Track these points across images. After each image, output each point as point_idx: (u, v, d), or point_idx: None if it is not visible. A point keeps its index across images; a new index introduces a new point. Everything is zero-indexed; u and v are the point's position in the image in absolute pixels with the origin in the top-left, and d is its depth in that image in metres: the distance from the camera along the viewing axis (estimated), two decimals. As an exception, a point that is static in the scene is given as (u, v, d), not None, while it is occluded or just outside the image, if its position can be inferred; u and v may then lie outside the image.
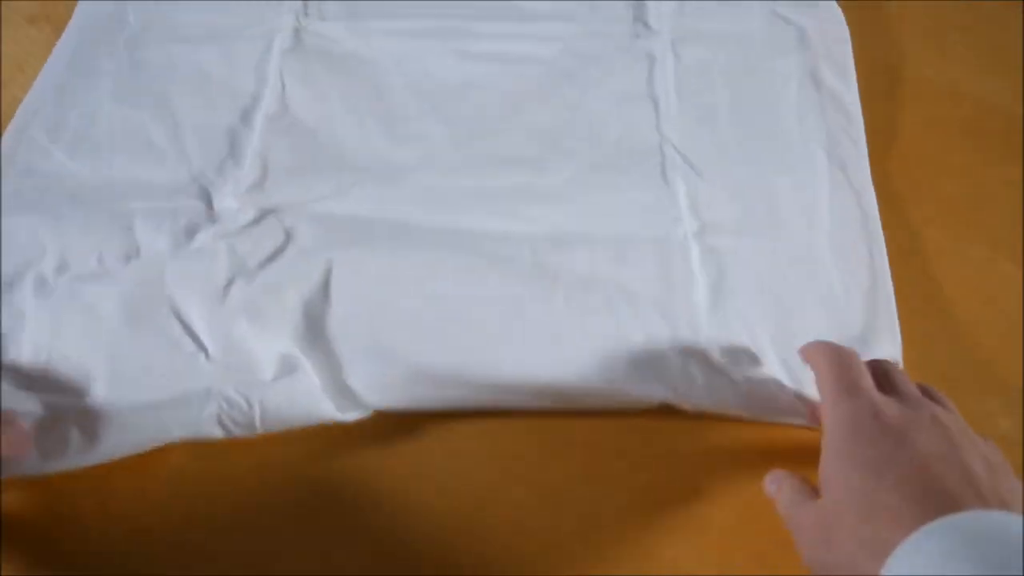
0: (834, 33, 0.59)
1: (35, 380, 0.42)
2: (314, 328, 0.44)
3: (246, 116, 0.54)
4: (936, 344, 0.47)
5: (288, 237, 0.48)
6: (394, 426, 0.43)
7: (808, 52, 0.57)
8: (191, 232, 0.48)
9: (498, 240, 0.48)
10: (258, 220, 0.49)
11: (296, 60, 0.58)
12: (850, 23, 0.60)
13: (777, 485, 0.38)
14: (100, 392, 0.42)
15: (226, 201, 0.50)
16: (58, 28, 0.61)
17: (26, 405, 0.40)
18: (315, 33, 0.59)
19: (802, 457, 0.38)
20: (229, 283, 0.45)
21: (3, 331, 0.44)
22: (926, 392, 0.38)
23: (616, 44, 0.59)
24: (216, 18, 0.60)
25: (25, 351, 0.43)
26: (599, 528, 0.40)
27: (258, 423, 0.41)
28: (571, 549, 0.40)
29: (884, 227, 0.49)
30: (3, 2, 0.64)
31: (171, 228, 0.48)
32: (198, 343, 0.43)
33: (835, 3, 0.61)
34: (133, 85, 0.56)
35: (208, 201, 0.50)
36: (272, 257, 0.47)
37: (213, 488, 0.42)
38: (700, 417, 0.43)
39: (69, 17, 0.61)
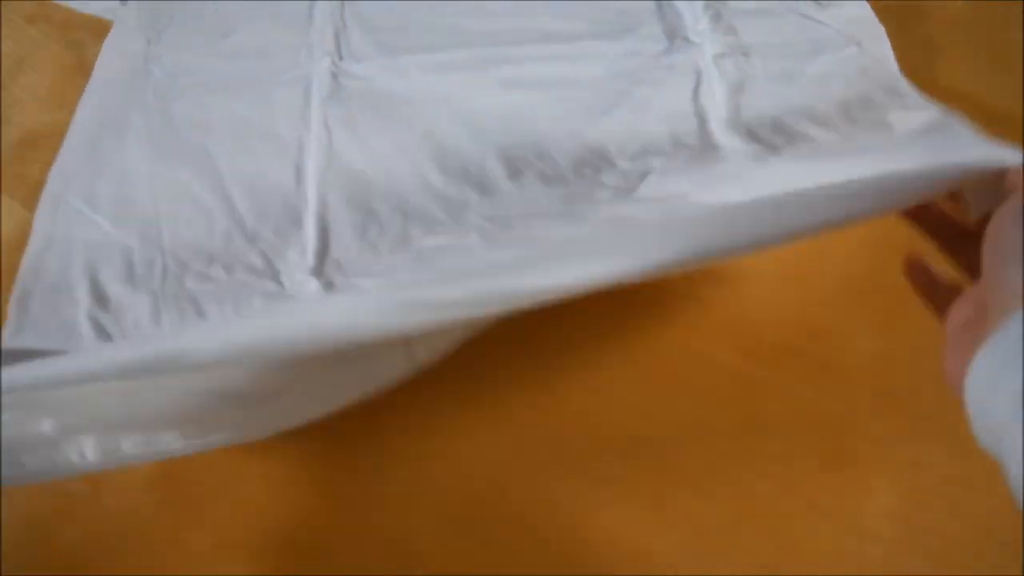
0: (869, 31, 0.57)
1: None
2: None
3: (296, 169, 0.52)
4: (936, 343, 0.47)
5: None
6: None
7: (846, 51, 0.56)
8: None
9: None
10: (329, 291, 0.46)
11: (338, 105, 0.55)
12: None
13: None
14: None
15: (296, 277, 0.47)
16: (58, 28, 0.62)
17: None
18: (352, 75, 0.57)
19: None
20: None
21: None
22: None
23: (658, 61, 0.57)
24: (248, 65, 0.58)
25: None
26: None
27: None
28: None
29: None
30: (3, 2, 0.65)
31: (247, 312, 0.45)
32: None
33: (865, 1, 0.59)
34: (169, 141, 0.54)
35: (275, 276, 0.47)
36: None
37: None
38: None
39: (69, 17, 0.62)
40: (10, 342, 0.44)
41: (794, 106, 0.53)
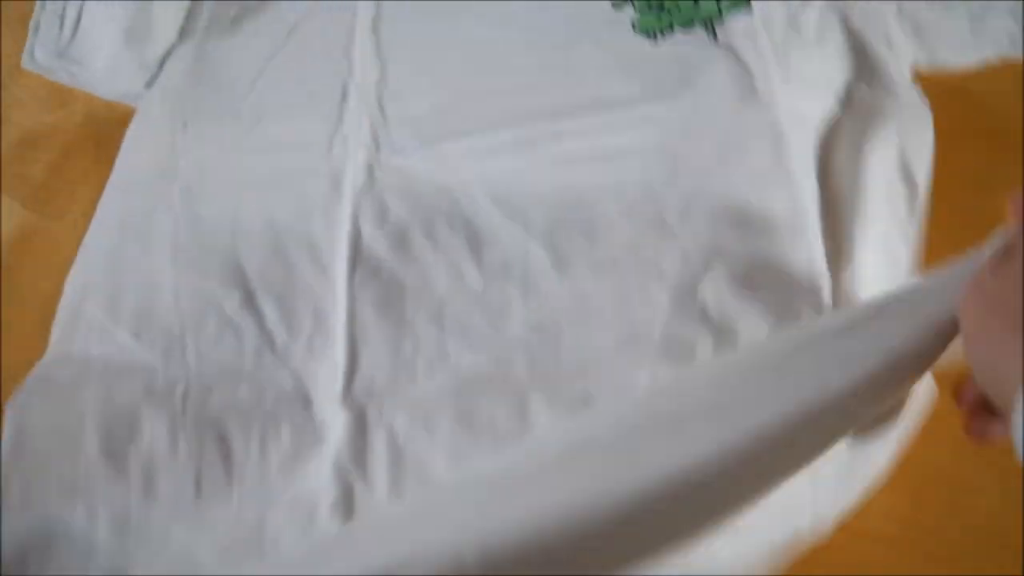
0: (916, 122, 0.51)
1: None
2: None
3: (325, 271, 0.49)
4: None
5: (394, 452, 0.42)
6: None
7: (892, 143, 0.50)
8: (295, 457, 0.42)
9: None
10: (361, 429, 0.43)
11: (371, 201, 0.51)
12: None
13: None
14: None
15: (326, 407, 0.44)
16: None
17: None
18: (389, 168, 0.53)
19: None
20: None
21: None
22: None
23: (731, 120, 0.51)
24: (280, 159, 0.54)
25: None
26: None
27: None
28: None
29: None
30: (3, 2, 0.64)
31: (274, 449, 0.42)
32: None
33: (917, 90, 0.53)
34: (195, 246, 0.50)
35: (305, 401, 0.45)
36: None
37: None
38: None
39: None
40: (8, 457, 0.42)
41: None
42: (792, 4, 0.55)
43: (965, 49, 0.53)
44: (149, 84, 0.58)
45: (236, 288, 0.48)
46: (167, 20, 0.60)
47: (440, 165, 0.52)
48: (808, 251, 0.46)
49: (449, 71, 0.57)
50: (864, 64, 0.51)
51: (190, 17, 0.60)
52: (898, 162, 0.47)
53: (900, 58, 0.53)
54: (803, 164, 0.48)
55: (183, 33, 0.60)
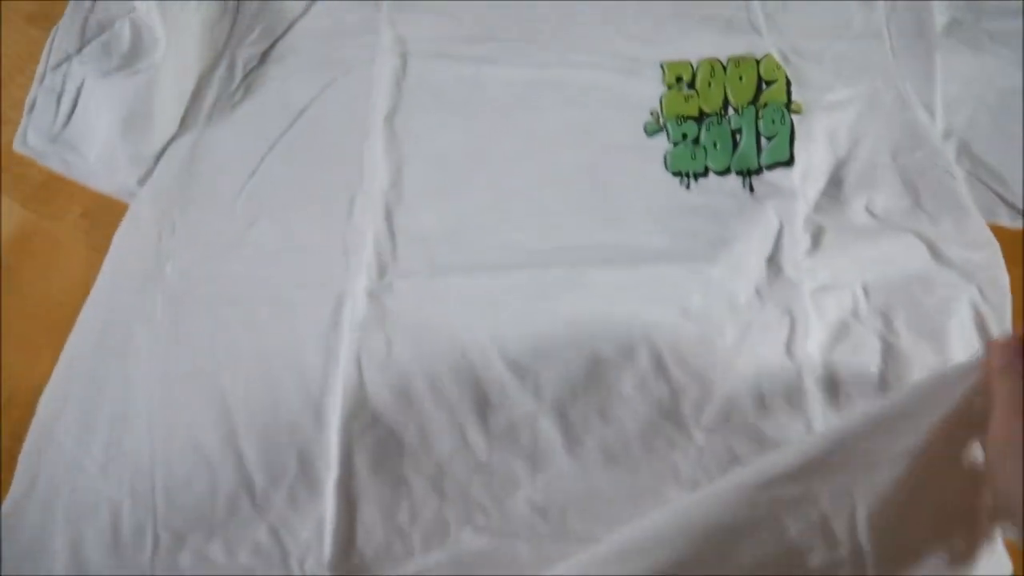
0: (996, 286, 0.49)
1: None
2: None
3: (316, 412, 0.45)
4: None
5: None
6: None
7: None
8: None
9: None
10: None
11: (372, 336, 0.47)
12: None
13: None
14: None
15: (307, 569, 0.41)
16: None
17: None
18: (392, 297, 0.48)
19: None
20: None
21: None
22: None
23: (753, 300, 0.48)
24: (272, 270, 0.49)
25: None
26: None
27: None
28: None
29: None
30: (3, 2, 0.63)
31: None
32: None
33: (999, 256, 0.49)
34: (176, 364, 0.46)
35: (284, 561, 0.41)
36: None
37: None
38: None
39: None
40: None
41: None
42: (833, 156, 0.52)
43: None
44: (142, 181, 0.53)
45: (214, 419, 0.45)
46: (169, 108, 0.54)
47: (448, 302, 0.48)
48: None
49: (467, 186, 0.52)
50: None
51: (193, 103, 0.55)
52: None
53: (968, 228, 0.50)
54: (811, 370, 0.46)
55: (184, 122, 0.55)
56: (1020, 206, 0.51)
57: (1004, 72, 0.54)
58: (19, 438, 0.46)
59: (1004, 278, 0.48)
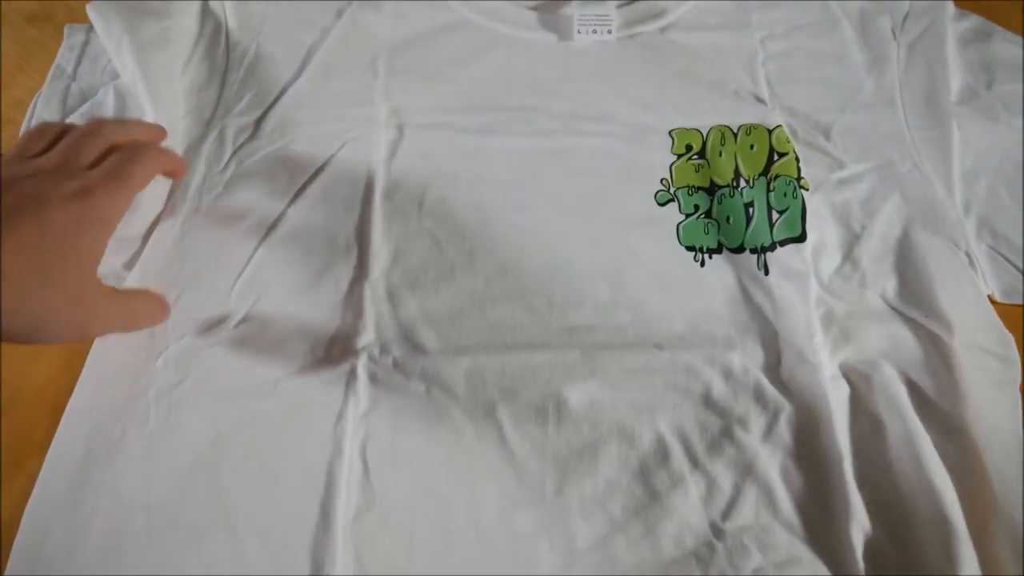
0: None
1: None
2: None
3: (323, 512, 0.42)
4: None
5: None
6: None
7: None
8: None
9: None
10: None
11: (376, 423, 0.45)
12: None
13: None
14: None
15: None
16: (58, 28, 0.59)
17: None
18: (398, 378, 0.46)
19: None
20: None
21: None
22: None
23: (772, 384, 0.46)
24: (270, 358, 0.47)
25: None
26: None
27: None
28: None
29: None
30: (3, 2, 0.63)
31: None
32: None
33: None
34: (172, 463, 0.43)
35: None
36: None
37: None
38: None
39: (69, 17, 0.59)
40: None
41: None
42: (845, 235, 0.51)
43: None
44: (129, 265, 0.50)
45: (217, 518, 0.42)
46: (155, 185, 0.50)
47: (457, 387, 0.46)
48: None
49: (472, 263, 0.50)
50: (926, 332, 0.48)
51: (181, 180, 0.52)
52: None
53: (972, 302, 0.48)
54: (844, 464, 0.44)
55: (172, 200, 0.51)
56: None
57: (1018, 143, 0.53)
58: (19, 438, 0.46)
59: (1017, 374, 0.46)
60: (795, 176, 0.52)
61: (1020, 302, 0.49)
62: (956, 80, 0.55)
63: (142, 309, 0.46)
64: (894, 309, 0.48)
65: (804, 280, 0.49)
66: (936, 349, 0.47)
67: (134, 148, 0.45)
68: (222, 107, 0.54)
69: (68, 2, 0.62)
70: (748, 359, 0.47)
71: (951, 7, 0.57)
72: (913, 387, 0.46)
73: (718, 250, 0.50)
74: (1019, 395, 0.45)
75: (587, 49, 0.57)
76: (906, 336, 0.47)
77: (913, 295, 0.48)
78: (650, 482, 0.44)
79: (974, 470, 0.43)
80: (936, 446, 0.43)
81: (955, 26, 0.57)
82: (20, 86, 0.57)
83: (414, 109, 0.55)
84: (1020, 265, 0.50)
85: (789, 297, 0.48)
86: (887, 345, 0.47)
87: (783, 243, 0.50)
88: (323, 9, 0.58)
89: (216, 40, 0.57)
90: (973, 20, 0.57)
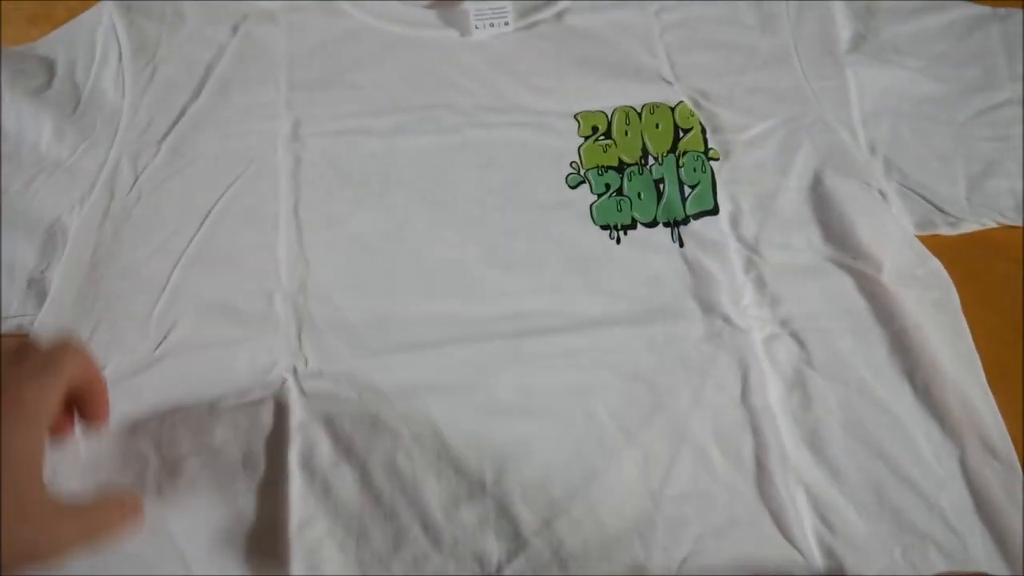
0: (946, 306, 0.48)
1: None
2: None
3: (274, 531, 0.42)
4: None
5: None
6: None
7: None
8: None
9: None
10: None
11: (314, 434, 0.45)
12: None
13: None
14: None
15: None
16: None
17: None
18: (327, 387, 0.46)
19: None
20: None
21: None
22: None
23: (698, 353, 0.47)
24: (192, 392, 0.46)
25: None
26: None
27: None
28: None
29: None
30: (3, 2, 0.62)
31: None
32: None
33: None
34: None
35: None
36: None
37: None
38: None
39: (69, 17, 0.58)
40: None
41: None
42: (761, 194, 0.52)
43: (960, 215, 0.51)
44: (38, 305, 0.48)
45: (164, 561, 0.42)
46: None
47: (385, 387, 0.46)
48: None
49: (390, 265, 0.50)
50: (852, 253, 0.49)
51: (85, 209, 0.51)
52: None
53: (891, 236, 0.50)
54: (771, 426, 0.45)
55: (78, 233, 0.50)
56: (954, 213, 0.51)
57: (914, 81, 0.55)
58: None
59: (953, 297, 0.48)
60: (702, 150, 0.53)
61: (933, 232, 0.51)
62: (846, 30, 0.56)
63: (108, 520, 0.38)
64: (821, 256, 0.49)
65: (722, 249, 0.50)
66: (869, 287, 0.48)
67: (57, 343, 0.39)
68: (124, 133, 0.53)
69: (68, 2, 0.61)
70: (671, 330, 0.47)
71: None
72: (855, 336, 0.47)
73: (632, 226, 0.51)
74: (963, 318, 0.47)
75: (486, 43, 0.57)
76: (838, 283, 0.49)
77: (837, 239, 0.50)
78: (587, 461, 0.44)
79: (936, 400, 0.45)
80: (888, 390, 0.45)
81: None
82: (20, 86, 0.57)
83: (318, 118, 0.54)
84: (929, 197, 0.51)
85: (707, 266, 0.49)
86: (821, 298, 0.48)
87: (697, 216, 0.51)
88: (218, 26, 0.57)
89: (112, 66, 0.56)
90: None
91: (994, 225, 0.51)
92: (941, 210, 0.51)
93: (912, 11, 0.57)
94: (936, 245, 0.50)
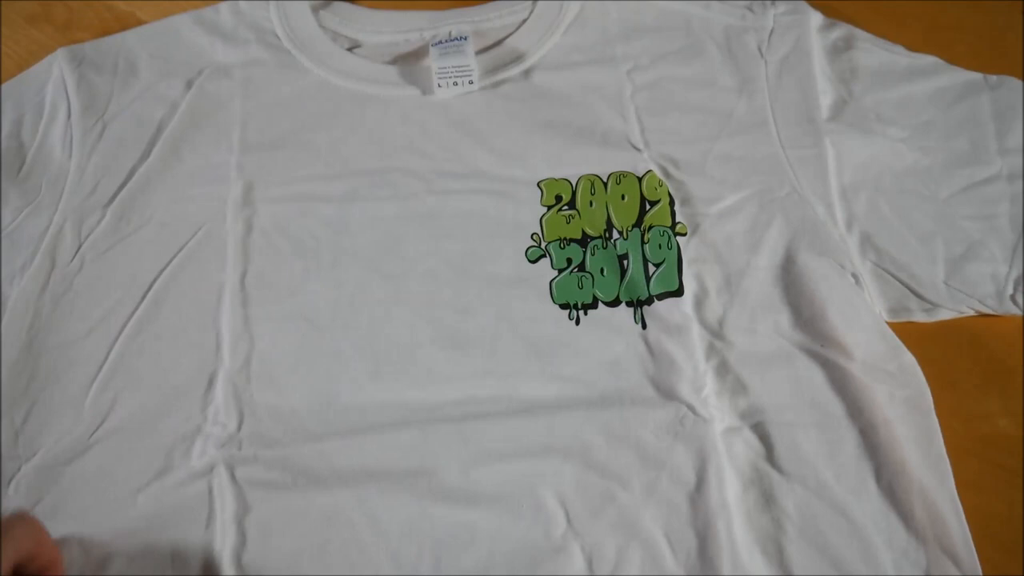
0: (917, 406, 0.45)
1: None
2: None
3: None
4: (936, 343, 0.48)
5: None
6: None
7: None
8: None
9: None
10: None
11: (249, 524, 0.43)
12: (851, 22, 0.56)
13: None
14: None
15: None
16: (59, 29, 0.62)
17: None
18: (262, 474, 0.44)
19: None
20: None
21: None
22: None
23: (655, 448, 0.44)
24: (128, 476, 0.44)
25: None
26: None
27: None
28: None
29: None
30: (3, 2, 0.63)
31: None
32: None
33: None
34: None
35: None
36: None
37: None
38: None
39: (69, 17, 0.62)
40: None
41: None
42: (729, 273, 0.49)
43: (937, 300, 0.48)
44: None
45: None
46: None
47: (324, 475, 0.44)
48: None
49: (336, 342, 0.48)
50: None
51: (24, 277, 0.49)
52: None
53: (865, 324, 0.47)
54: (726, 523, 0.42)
55: (16, 302, 0.48)
56: (931, 298, 0.48)
57: (897, 153, 0.52)
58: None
59: (926, 396, 0.45)
60: (669, 225, 0.50)
61: (908, 319, 0.48)
62: (826, 95, 0.53)
63: None
64: (789, 342, 0.47)
65: (685, 333, 0.47)
66: (838, 378, 0.46)
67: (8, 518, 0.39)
68: (69, 197, 0.51)
69: (68, 2, 0.63)
70: (628, 417, 0.45)
71: (817, 18, 0.55)
72: (820, 431, 0.45)
73: (593, 305, 0.48)
74: (935, 419, 0.44)
75: (449, 102, 0.54)
76: (805, 373, 0.46)
77: (806, 324, 0.47)
78: (531, 552, 0.42)
79: (902, 503, 0.43)
80: (850, 492, 0.43)
81: (822, 37, 0.55)
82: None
83: (271, 182, 0.52)
84: (905, 280, 0.48)
85: (669, 351, 0.47)
86: (786, 388, 0.46)
87: (661, 297, 0.48)
88: (171, 81, 0.55)
89: (60, 123, 0.54)
90: (840, 29, 0.55)
91: (972, 313, 0.48)
92: (917, 294, 0.48)
93: (899, 76, 0.54)
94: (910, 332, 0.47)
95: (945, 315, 0.48)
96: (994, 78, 0.53)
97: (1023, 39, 0.58)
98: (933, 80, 0.53)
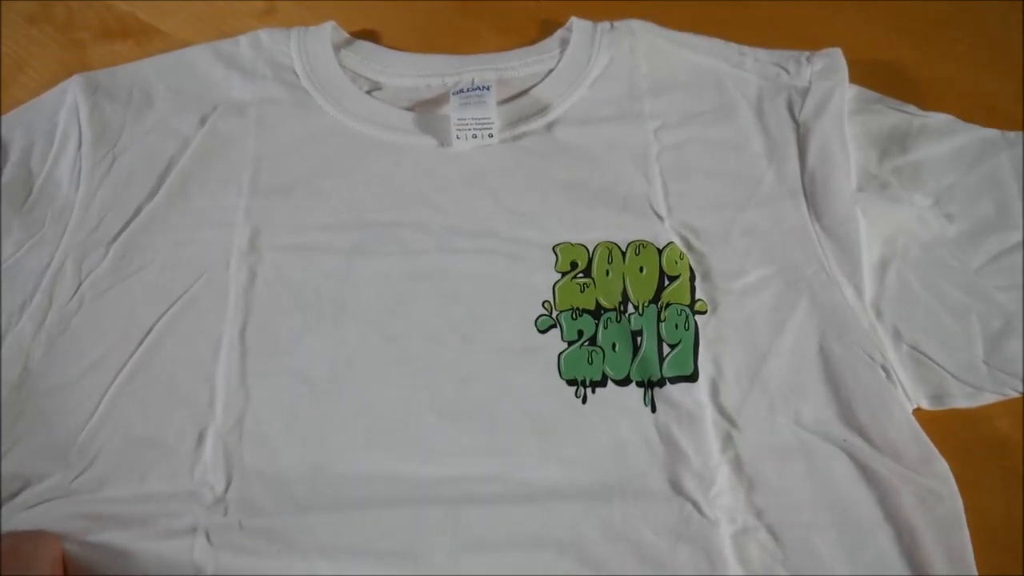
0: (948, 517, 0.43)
1: None
2: None
3: None
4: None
5: None
6: None
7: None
8: None
9: None
10: None
11: None
12: (849, 22, 0.56)
13: None
14: None
15: None
16: (59, 29, 0.62)
17: None
18: (246, 544, 0.43)
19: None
20: None
21: None
22: None
23: (657, 539, 0.43)
24: (115, 536, 0.43)
25: None
26: None
27: None
28: None
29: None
30: (3, 2, 0.63)
31: None
32: None
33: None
34: None
35: None
36: None
37: None
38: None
39: (69, 17, 0.62)
40: None
41: None
42: (750, 357, 0.46)
43: (979, 383, 0.46)
44: None
45: None
46: None
47: (308, 550, 0.43)
48: None
49: (332, 406, 0.46)
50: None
51: (23, 317, 0.48)
52: None
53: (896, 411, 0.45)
54: None
55: (10, 342, 0.47)
56: (970, 380, 0.45)
57: (923, 221, 0.49)
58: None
59: (958, 508, 0.42)
60: (687, 303, 0.48)
61: (951, 405, 0.46)
62: (856, 163, 0.50)
63: None
64: (811, 435, 0.44)
65: (698, 422, 0.45)
66: (863, 477, 0.43)
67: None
68: (73, 231, 0.50)
69: (68, 2, 0.63)
70: (628, 511, 0.43)
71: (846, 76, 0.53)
72: (840, 533, 0.42)
73: (602, 383, 0.46)
74: (966, 532, 0.42)
75: (467, 154, 0.52)
76: (826, 470, 0.43)
77: (831, 416, 0.45)
78: None
79: None
80: None
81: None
82: (20, 86, 0.58)
83: (278, 228, 0.51)
84: (942, 362, 0.46)
85: (678, 440, 0.44)
86: (805, 485, 0.43)
87: (674, 380, 0.46)
88: (185, 116, 0.54)
89: (70, 154, 0.52)
90: (854, 91, 0.53)
91: (1015, 395, 0.46)
92: (956, 377, 0.45)
93: (915, 137, 0.51)
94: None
95: (989, 399, 0.46)
96: (1011, 134, 0.51)
97: (1023, 39, 0.58)
98: (950, 140, 0.51)
